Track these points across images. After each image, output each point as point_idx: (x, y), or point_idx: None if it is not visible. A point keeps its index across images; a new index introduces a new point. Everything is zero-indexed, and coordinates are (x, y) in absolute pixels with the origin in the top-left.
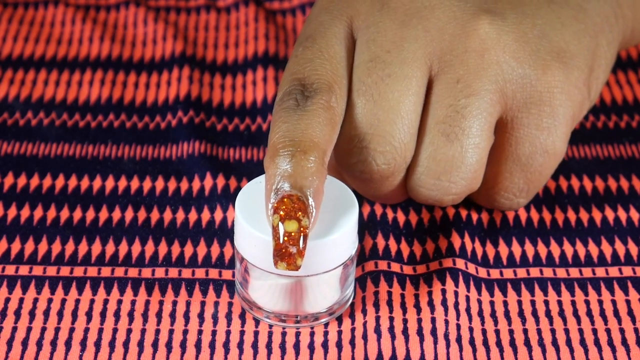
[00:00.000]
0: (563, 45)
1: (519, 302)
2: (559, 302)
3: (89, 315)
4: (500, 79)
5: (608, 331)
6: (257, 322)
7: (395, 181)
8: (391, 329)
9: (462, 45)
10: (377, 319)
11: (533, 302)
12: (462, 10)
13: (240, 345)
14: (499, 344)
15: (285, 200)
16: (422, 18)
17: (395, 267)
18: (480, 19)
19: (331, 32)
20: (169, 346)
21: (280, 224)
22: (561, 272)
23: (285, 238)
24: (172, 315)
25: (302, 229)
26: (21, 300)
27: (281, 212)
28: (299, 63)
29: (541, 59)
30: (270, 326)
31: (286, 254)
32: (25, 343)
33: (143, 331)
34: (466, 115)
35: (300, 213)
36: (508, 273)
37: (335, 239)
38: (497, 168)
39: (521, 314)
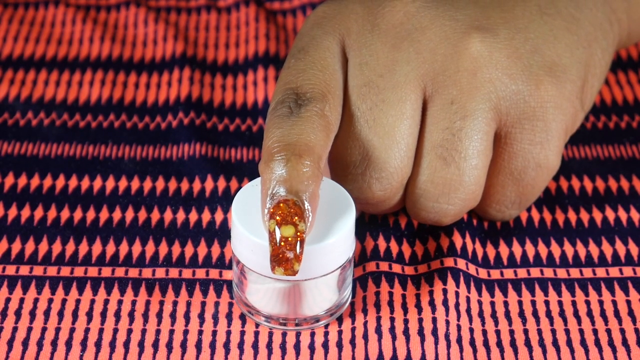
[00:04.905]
0: (556, 59)
1: (520, 303)
2: (560, 303)
3: (89, 315)
4: (493, 96)
5: (609, 331)
6: (257, 322)
7: (392, 202)
8: (392, 329)
9: (454, 65)
10: (378, 319)
11: (534, 303)
12: (453, 30)
13: (240, 345)
14: (499, 344)
15: (281, 205)
16: (414, 40)
17: (397, 268)
18: (471, 37)
19: (324, 45)
20: (169, 346)
21: (276, 229)
22: (562, 273)
23: (282, 243)
24: (173, 316)
25: (298, 233)
26: (22, 301)
27: (277, 217)
28: (292, 74)
29: (534, 74)
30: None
31: (283, 259)
32: (25, 343)
33: (144, 331)
34: (462, 138)
35: (296, 218)
36: (509, 273)
37: (333, 242)
38: (490, 181)
39: (522, 314)
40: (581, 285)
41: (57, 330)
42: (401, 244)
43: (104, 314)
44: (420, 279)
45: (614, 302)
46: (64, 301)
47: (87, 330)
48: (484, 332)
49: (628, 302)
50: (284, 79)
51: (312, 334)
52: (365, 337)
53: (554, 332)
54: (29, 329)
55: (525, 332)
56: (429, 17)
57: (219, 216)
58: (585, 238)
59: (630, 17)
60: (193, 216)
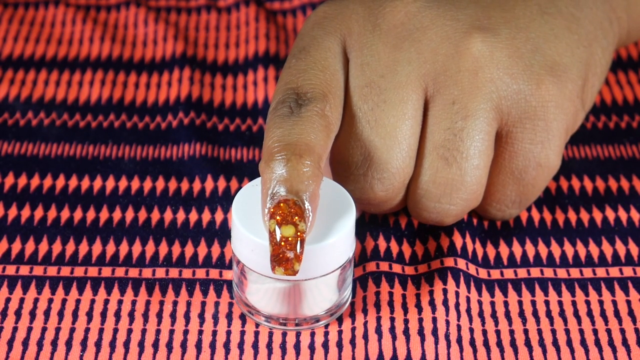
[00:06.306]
0: (557, 58)
1: (520, 303)
2: (560, 303)
3: (89, 315)
4: (495, 96)
5: (609, 331)
6: (257, 322)
7: (394, 202)
8: (392, 329)
9: (455, 65)
10: (378, 319)
11: (534, 303)
12: (454, 30)
13: (240, 345)
14: (499, 344)
15: (281, 205)
16: (415, 40)
17: (397, 268)
18: (472, 37)
19: (325, 45)
20: (169, 346)
21: (277, 228)
22: (562, 273)
23: (282, 243)
24: (173, 316)
25: (299, 233)
26: (22, 300)
27: (278, 217)
28: (293, 74)
29: (535, 74)
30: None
31: (283, 259)
32: (25, 343)
33: (144, 331)
34: (464, 138)
35: (297, 218)
36: (509, 273)
37: (333, 242)
38: (491, 180)
39: (522, 314)
40: (581, 285)
41: (57, 330)
42: (401, 244)
43: (104, 314)
44: (420, 279)
45: (614, 302)
46: (64, 301)
47: (87, 330)
48: (484, 332)
49: (628, 302)
50: (284, 79)
51: (312, 334)
52: (365, 337)
53: (554, 332)
54: (29, 329)
55: (525, 332)
56: (430, 17)
57: (219, 216)
58: (585, 238)
59: (630, 15)
60: (193, 216)
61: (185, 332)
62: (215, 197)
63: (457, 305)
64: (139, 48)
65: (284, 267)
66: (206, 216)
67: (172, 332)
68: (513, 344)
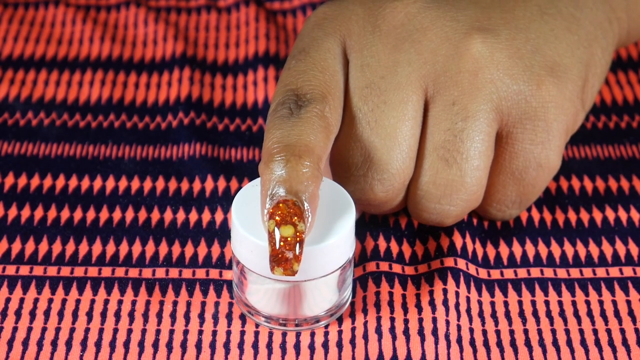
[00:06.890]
0: (557, 59)
1: (520, 303)
2: (560, 303)
3: (89, 315)
4: (495, 97)
5: (609, 331)
6: (257, 323)
7: (394, 203)
8: (392, 329)
9: (455, 65)
10: (378, 319)
11: (534, 303)
12: (454, 30)
13: (240, 345)
14: (499, 344)
15: (280, 205)
16: (414, 41)
17: (397, 268)
18: (472, 38)
19: (325, 46)
20: (169, 346)
21: (276, 229)
22: (562, 273)
23: (282, 243)
24: (173, 316)
25: (298, 234)
26: (22, 301)
27: (277, 218)
28: (292, 75)
29: (535, 74)
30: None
31: (282, 259)
32: (25, 343)
33: (144, 331)
34: (464, 139)
35: (296, 218)
36: (509, 273)
37: (333, 243)
38: (491, 181)
39: (522, 314)
40: (581, 285)
41: (57, 330)
42: (401, 244)
43: (104, 314)
44: (420, 279)
45: (614, 302)
46: (64, 301)
47: (87, 330)
48: (484, 332)
49: (628, 302)
50: (284, 80)
51: (312, 334)
52: (365, 337)
53: (554, 332)
54: (29, 329)
55: (525, 332)
56: (430, 18)
57: (219, 216)
58: (585, 238)
59: (629, 15)
60: (193, 216)
61: (185, 332)
62: (215, 197)
63: (457, 305)
64: (139, 48)
65: (283, 267)
66: (206, 216)
67: (172, 332)
68: (513, 344)
